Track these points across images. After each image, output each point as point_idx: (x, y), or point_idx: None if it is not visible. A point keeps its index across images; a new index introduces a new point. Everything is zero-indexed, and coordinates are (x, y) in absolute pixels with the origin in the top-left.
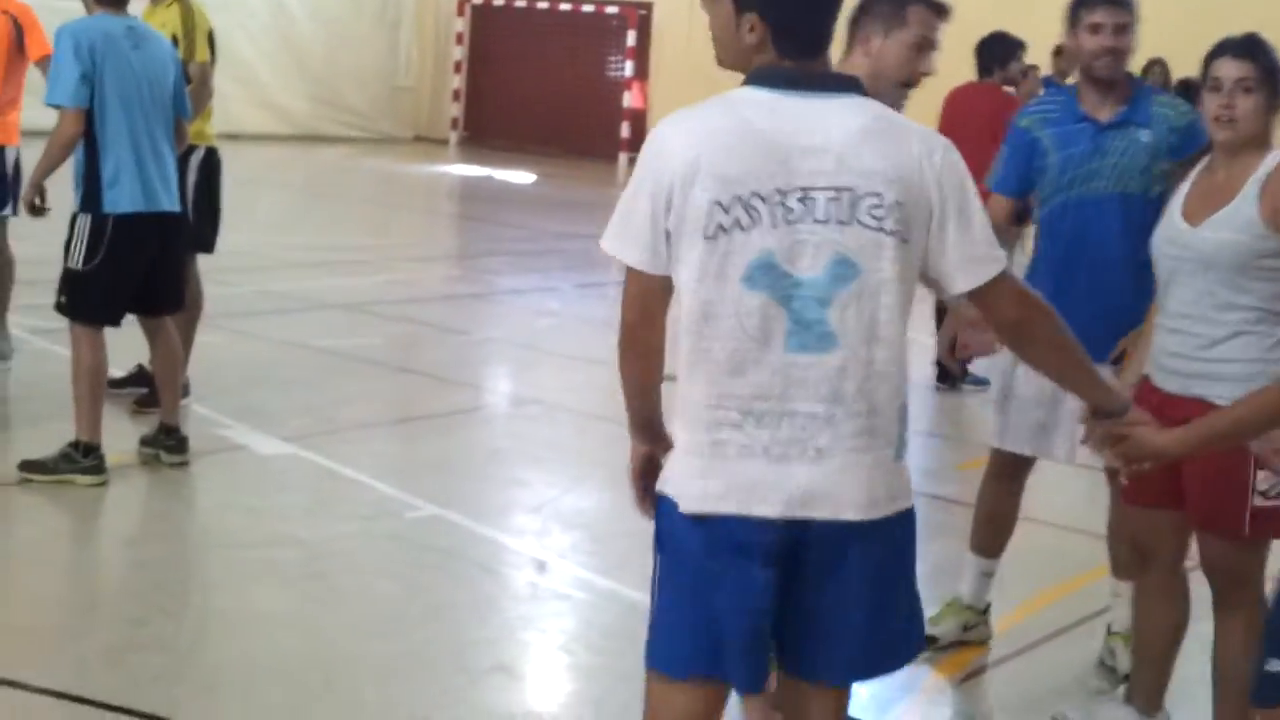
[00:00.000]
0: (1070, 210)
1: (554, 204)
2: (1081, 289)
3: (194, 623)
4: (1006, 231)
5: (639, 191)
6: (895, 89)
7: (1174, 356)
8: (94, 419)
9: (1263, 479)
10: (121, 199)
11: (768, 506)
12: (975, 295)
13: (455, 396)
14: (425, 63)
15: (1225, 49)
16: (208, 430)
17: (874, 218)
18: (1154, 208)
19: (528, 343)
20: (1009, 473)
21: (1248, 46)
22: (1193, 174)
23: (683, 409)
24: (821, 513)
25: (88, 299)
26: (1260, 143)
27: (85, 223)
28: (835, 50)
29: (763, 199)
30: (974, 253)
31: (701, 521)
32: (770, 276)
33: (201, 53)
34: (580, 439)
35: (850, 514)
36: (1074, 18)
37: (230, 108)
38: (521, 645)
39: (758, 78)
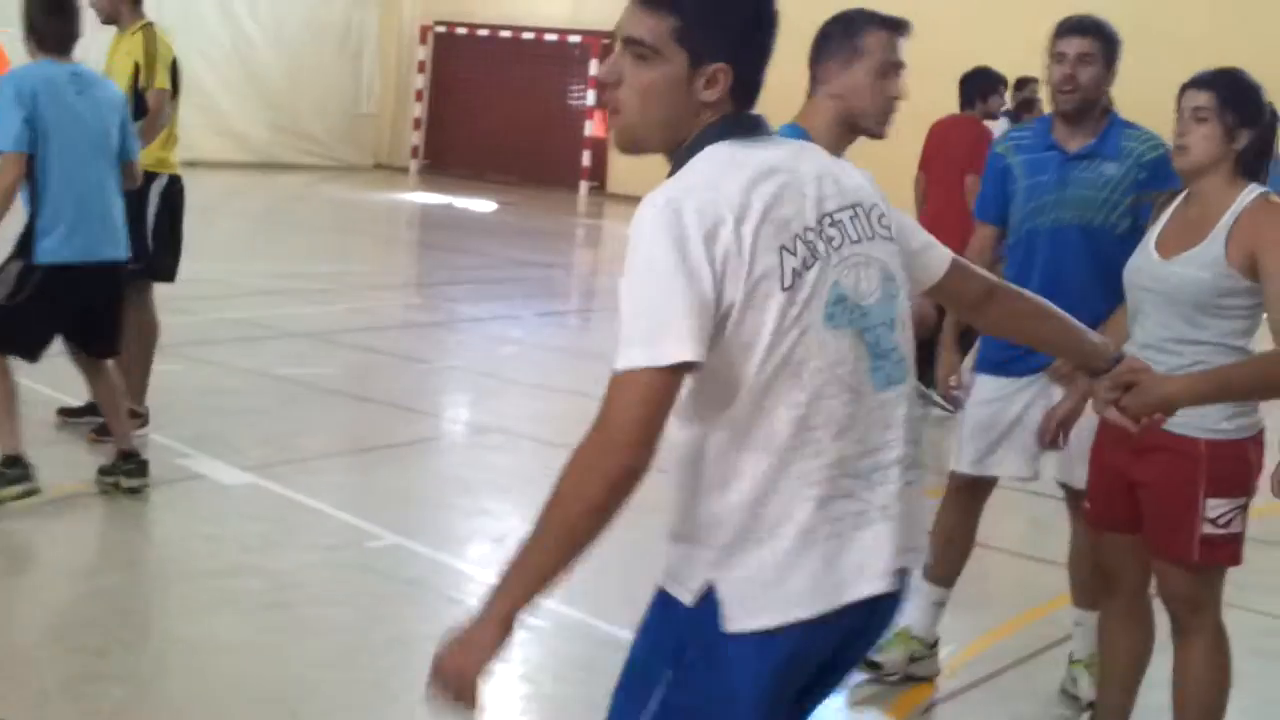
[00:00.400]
0: (1035, 239)
1: (515, 232)
2: None
3: (155, 653)
4: (992, 262)
5: (669, 279)
6: (879, 118)
7: None
8: (10, 430)
9: (1213, 506)
10: (55, 249)
11: (872, 581)
12: (947, 279)
13: (417, 425)
14: (386, 90)
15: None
16: (167, 459)
17: (884, 227)
18: (1119, 241)
19: (489, 371)
20: (967, 496)
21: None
22: (1172, 206)
23: (733, 511)
24: (913, 564)
25: (3, 331)
26: (1230, 177)
27: (15, 267)
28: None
29: (813, 232)
30: (927, 240)
31: (768, 641)
32: (847, 311)
33: (160, 80)
34: (543, 468)
35: (918, 561)
36: (1049, 46)
37: (190, 135)
38: (487, 676)
39: (729, 130)
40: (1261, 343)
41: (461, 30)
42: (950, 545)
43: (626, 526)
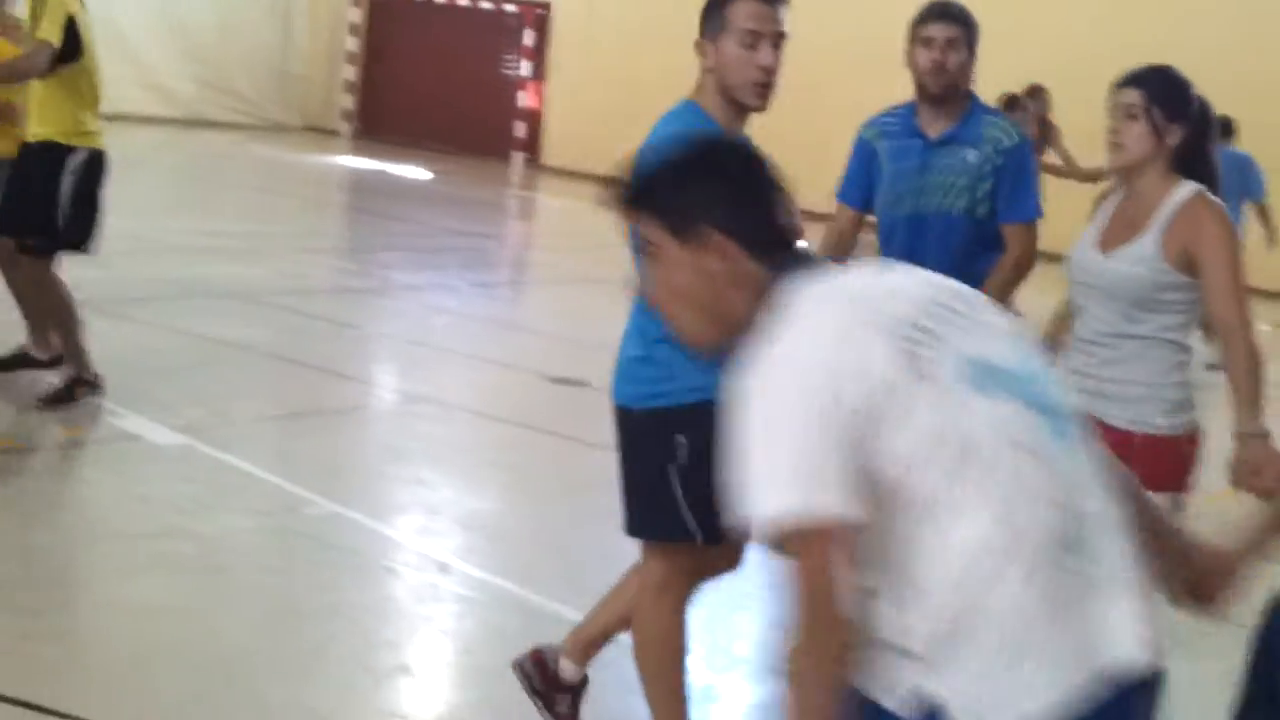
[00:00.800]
0: (899, 226)
1: (449, 201)
2: None
3: (89, 614)
4: (852, 243)
5: (803, 427)
6: (751, 90)
7: (1078, 375)
8: None
9: None
10: None
11: (1128, 648)
12: None
13: (350, 392)
14: (318, 52)
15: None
16: (98, 416)
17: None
18: (978, 227)
19: (422, 340)
20: None
21: (1138, 76)
22: (1111, 202)
23: (939, 608)
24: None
25: None
26: (1164, 174)
27: None
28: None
29: (927, 315)
30: None
31: None
32: (995, 377)
33: (44, 31)
34: (477, 439)
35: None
36: (911, 32)
37: (114, 88)
38: (424, 647)
39: (787, 279)
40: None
41: None
42: None
43: (562, 501)
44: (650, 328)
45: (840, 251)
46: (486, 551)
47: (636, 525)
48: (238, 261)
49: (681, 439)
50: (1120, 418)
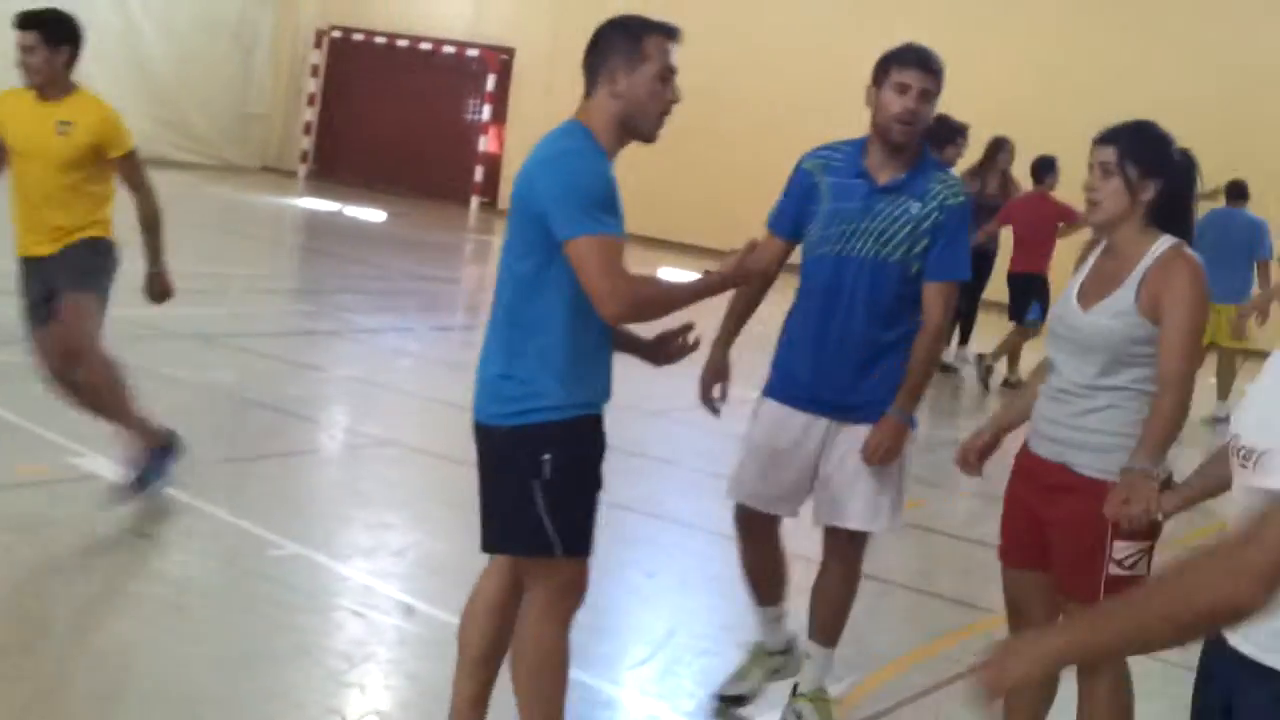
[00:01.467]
0: (827, 264)
1: (406, 244)
2: (832, 343)
3: (57, 654)
4: (774, 275)
5: None
6: (655, 122)
7: (1051, 423)
8: None
9: (1120, 549)
10: None
11: None
12: None
13: (312, 434)
14: (278, 92)
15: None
16: (57, 456)
17: None
18: (906, 282)
19: (383, 382)
20: (753, 530)
21: (1112, 135)
22: (1092, 256)
23: None
24: None
25: None
26: (1141, 228)
27: None
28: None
29: None
30: None
31: None
32: None
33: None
34: (438, 481)
35: None
36: (882, 72)
37: None
38: (393, 690)
39: None
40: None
41: (358, 36)
42: (758, 580)
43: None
44: (516, 343)
45: (764, 282)
46: (450, 593)
47: (496, 540)
48: (195, 303)
49: (547, 456)
50: (1091, 467)
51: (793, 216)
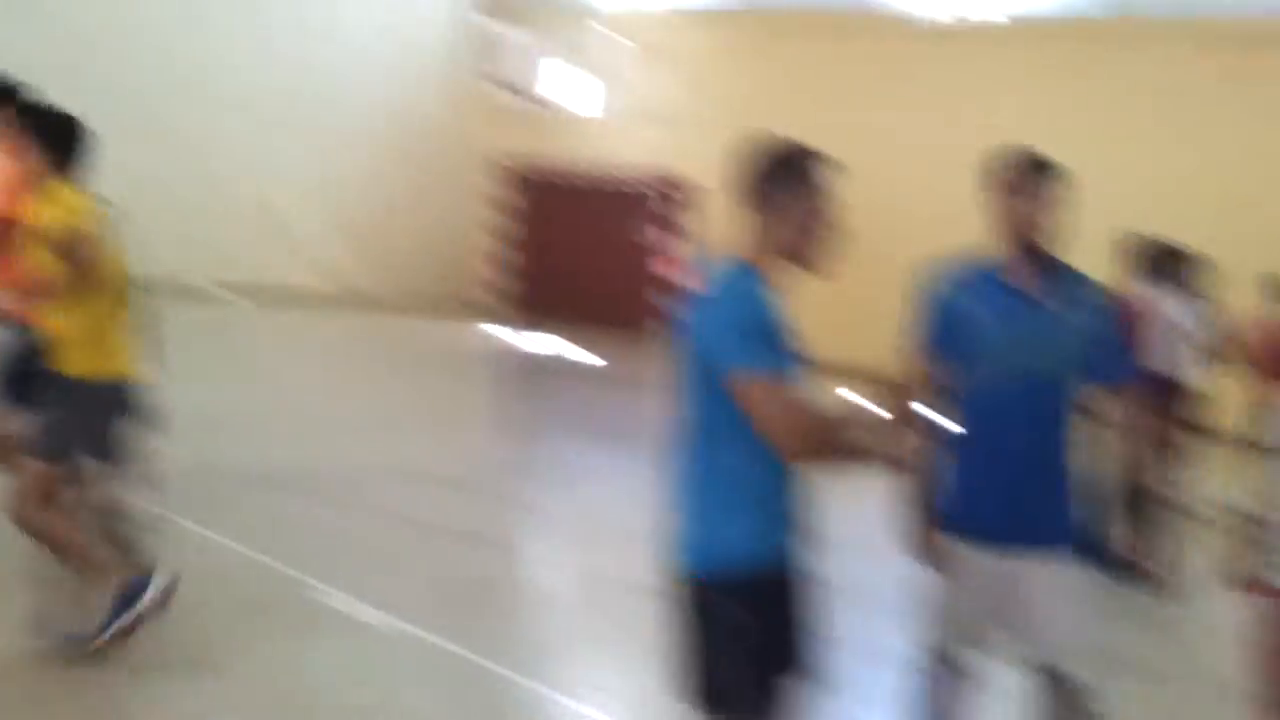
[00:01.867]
0: (1001, 387)
1: (612, 379)
2: (1023, 469)
3: None
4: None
5: None
6: (818, 251)
7: None
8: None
9: None
10: None
11: None
12: None
13: (537, 571)
14: (470, 229)
15: None
16: (300, 591)
17: None
18: (1073, 390)
19: (604, 519)
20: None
21: None
22: None
23: None
24: None
25: None
26: None
27: None
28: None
29: None
30: None
31: None
32: None
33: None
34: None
35: None
36: (1019, 181)
37: (273, 263)
38: None
39: None
40: None
41: (548, 173)
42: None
43: None
44: (698, 489)
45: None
46: None
47: (688, 693)
48: (411, 440)
49: (724, 609)
50: None
51: (941, 339)
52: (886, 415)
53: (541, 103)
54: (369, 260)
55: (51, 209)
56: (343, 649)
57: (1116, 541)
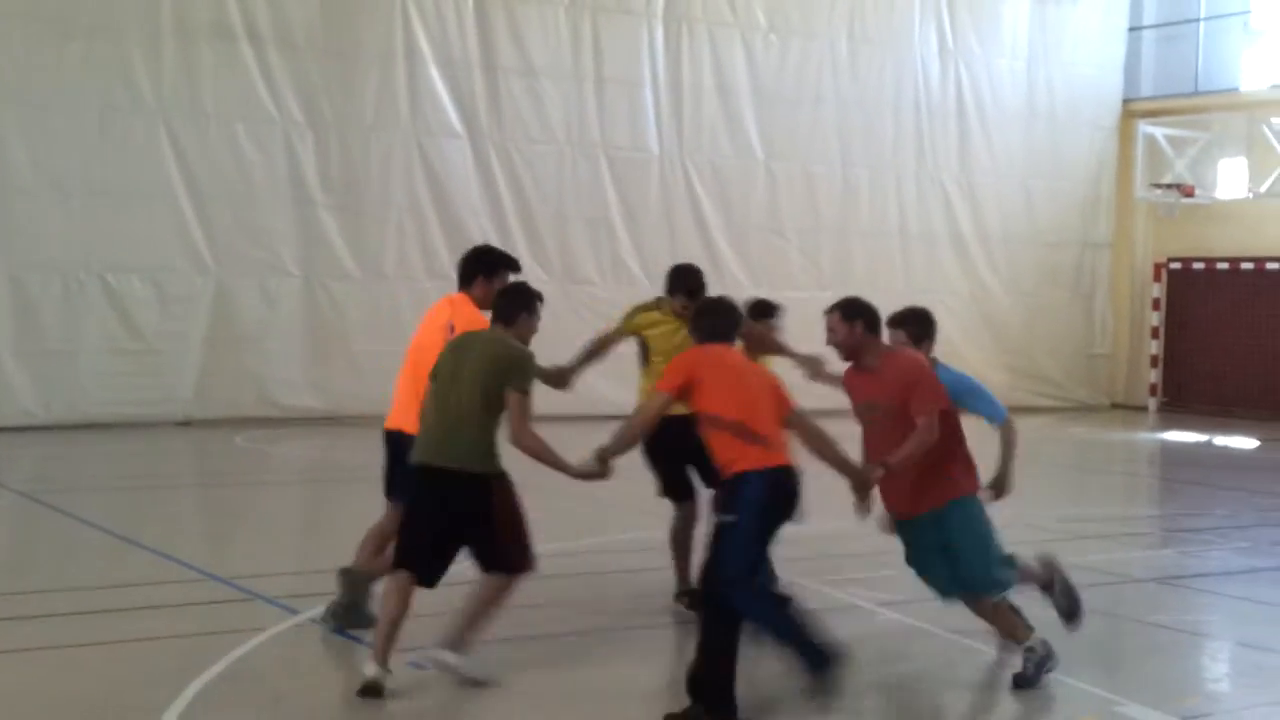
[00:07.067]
0: None
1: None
2: None
3: None
4: None
5: None
6: None
7: None
8: None
9: None
10: None
11: None
12: None
13: None
14: (1120, 330)
15: None
16: (1101, 705)
17: None
18: None
19: None
20: None
21: None
22: None
23: None
24: None
25: None
26: None
27: None
28: None
29: None
30: None
31: None
32: None
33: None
34: None
35: None
36: None
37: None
38: None
39: None
40: None
41: (1198, 265)
42: None
43: None
44: None
45: None
46: None
47: None
48: (1127, 546)
49: None
50: None
51: None
52: None
53: (1194, 195)
54: (1024, 373)
55: None
56: None
57: None
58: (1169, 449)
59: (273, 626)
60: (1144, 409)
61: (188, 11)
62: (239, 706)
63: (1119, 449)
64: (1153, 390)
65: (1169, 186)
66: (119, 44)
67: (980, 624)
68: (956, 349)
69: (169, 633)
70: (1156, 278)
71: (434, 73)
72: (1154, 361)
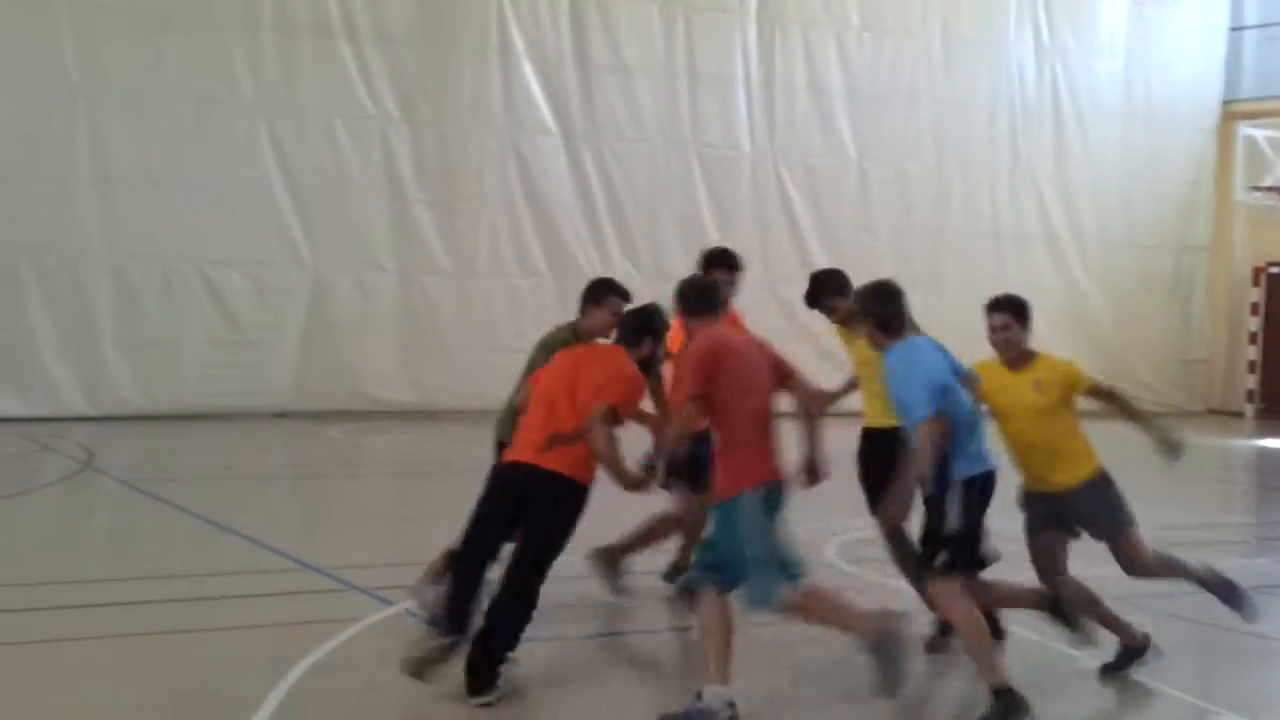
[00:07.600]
0: None
1: None
2: None
3: None
4: None
5: None
6: None
7: None
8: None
9: None
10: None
11: None
12: None
13: None
14: (1218, 334)
15: None
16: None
17: None
18: None
19: None
20: None
21: None
22: None
23: None
24: None
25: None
26: None
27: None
28: None
29: None
30: None
31: None
32: None
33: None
34: None
35: None
36: None
37: None
38: None
39: None
40: None
41: None
42: None
43: None
44: None
45: None
46: None
47: None
48: (1236, 553)
49: None
50: None
51: None
52: None
53: None
54: (1119, 377)
55: None
56: None
57: None
58: (1265, 456)
59: (368, 617)
60: (1240, 415)
61: (287, 7)
62: (335, 694)
63: (1214, 455)
64: (1249, 396)
65: (1269, 189)
66: (219, 39)
67: (1075, 627)
68: (1050, 351)
69: (265, 621)
70: (1255, 282)
71: (528, 69)
72: (1251, 367)
